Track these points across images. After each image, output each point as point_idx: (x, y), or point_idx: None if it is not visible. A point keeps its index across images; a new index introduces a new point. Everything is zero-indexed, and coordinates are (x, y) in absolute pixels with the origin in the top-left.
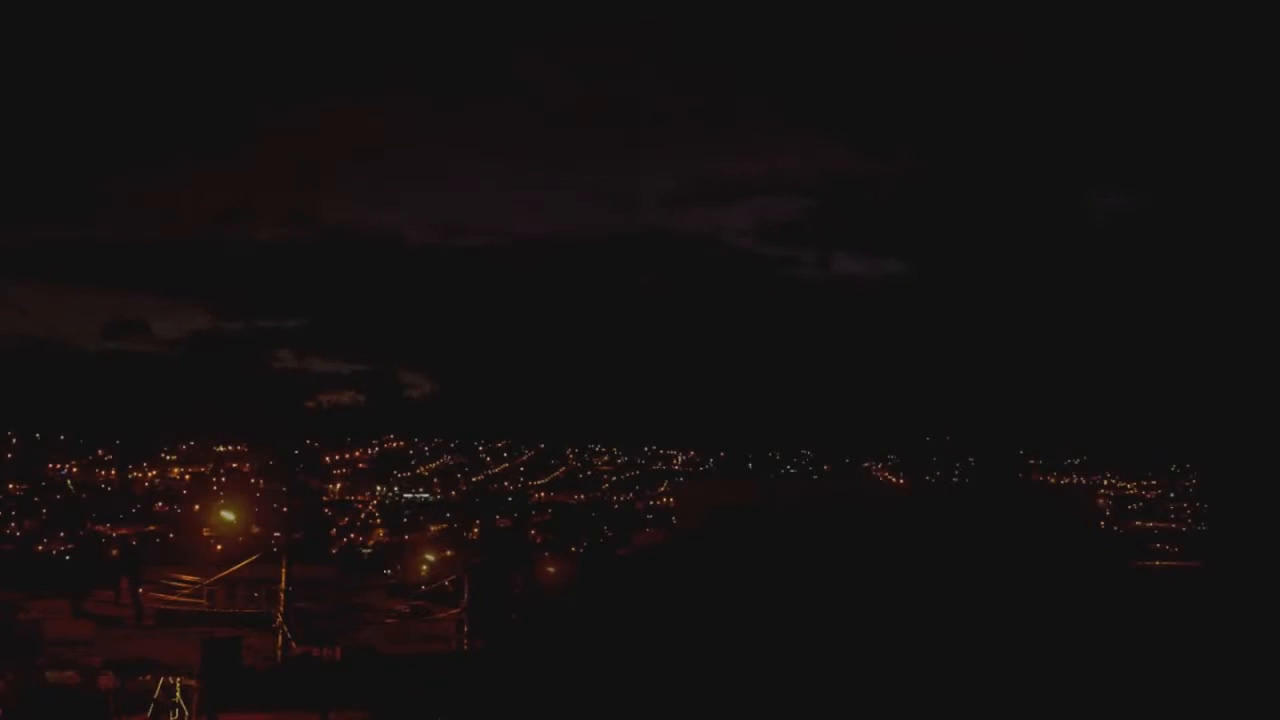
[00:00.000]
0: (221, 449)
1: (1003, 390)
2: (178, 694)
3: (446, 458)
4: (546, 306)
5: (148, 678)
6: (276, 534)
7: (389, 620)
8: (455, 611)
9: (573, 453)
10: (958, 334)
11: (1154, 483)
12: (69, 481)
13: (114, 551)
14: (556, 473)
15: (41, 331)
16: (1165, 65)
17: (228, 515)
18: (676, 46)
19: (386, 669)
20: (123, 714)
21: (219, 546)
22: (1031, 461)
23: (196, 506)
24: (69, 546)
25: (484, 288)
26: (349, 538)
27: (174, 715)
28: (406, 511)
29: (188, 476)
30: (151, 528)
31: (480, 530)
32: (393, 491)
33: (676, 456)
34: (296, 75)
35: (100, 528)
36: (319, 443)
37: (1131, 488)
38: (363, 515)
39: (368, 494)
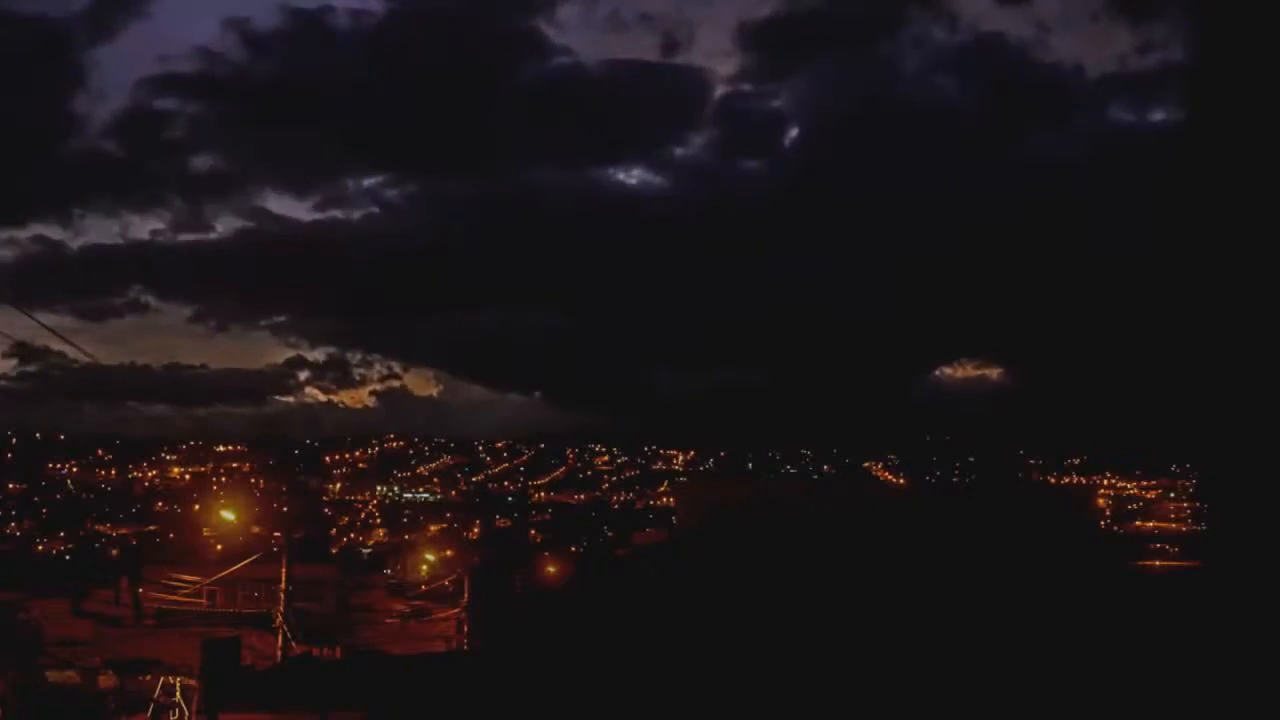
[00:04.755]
0: (221, 449)
1: (1005, 390)
2: (178, 694)
3: (446, 458)
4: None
5: (148, 677)
6: (276, 534)
7: (389, 620)
8: (455, 611)
9: (573, 453)
10: (959, 332)
11: (1154, 483)
12: (69, 481)
13: (114, 551)
14: (556, 473)
15: None
16: None
17: (228, 515)
18: None
19: (386, 669)
20: (123, 714)
21: (219, 546)
22: (1031, 461)
23: (196, 506)
24: (69, 546)
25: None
26: (349, 538)
27: (174, 715)
28: (406, 511)
29: (188, 476)
30: (151, 528)
31: (480, 530)
32: (393, 491)
33: (676, 456)
34: None
35: (100, 528)
36: (319, 443)
37: (1132, 488)
38: (363, 515)
39: (368, 494)
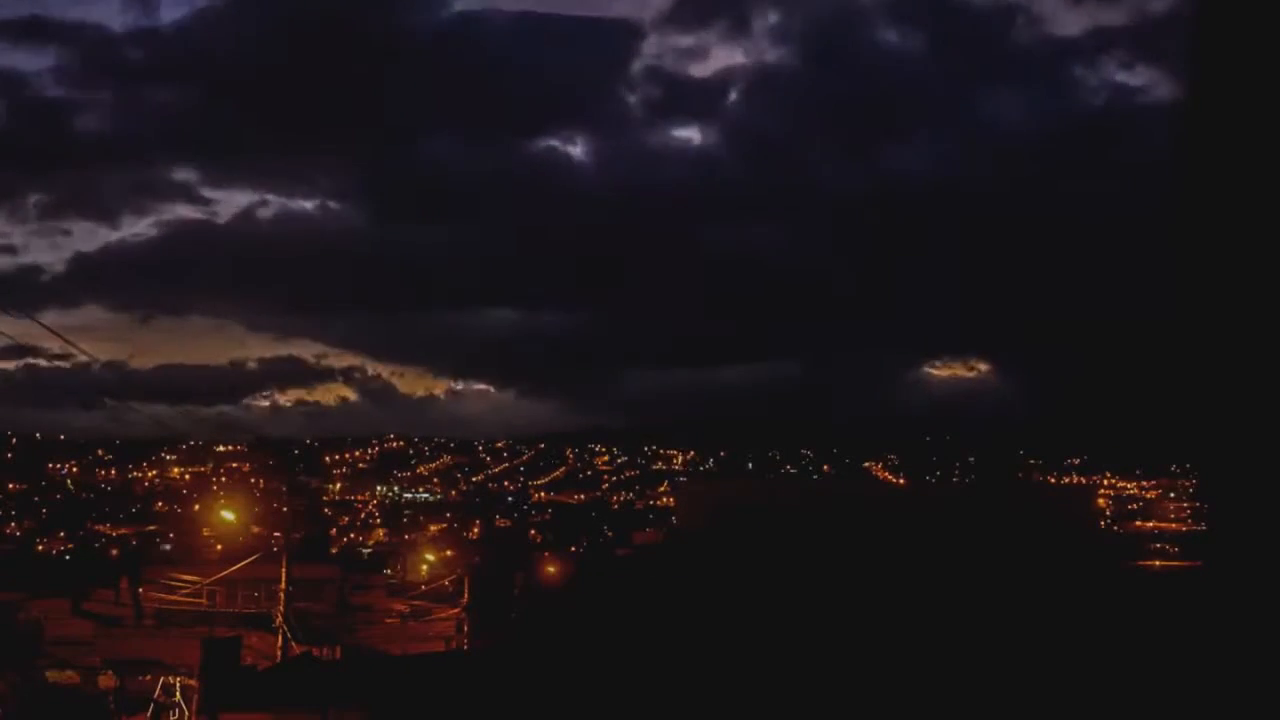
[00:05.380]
0: (221, 449)
1: (1004, 389)
2: (178, 694)
3: (446, 458)
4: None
5: (148, 677)
6: (276, 534)
7: (389, 620)
8: (455, 611)
9: (572, 453)
10: (960, 332)
11: (1154, 483)
12: (69, 481)
13: (114, 551)
14: (556, 473)
15: None
16: None
17: (228, 515)
18: None
19: (386, 669)
20: (123, 714)
21: (219, 546)
22: (1031, 461)
23: (196, 506)
24: (69, 546)
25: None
26: (349, 538)
27: (174, 715)
28: (406, 511)
29: (188, 476)
30: (151, 528)
31: (480, 530)
32: (393, 491)
33: (676, 456)
34: None
35: (100, 528)
36: (319, 442)
37: (1132, 488)
38: (363, 515)
39: (368, 494)
